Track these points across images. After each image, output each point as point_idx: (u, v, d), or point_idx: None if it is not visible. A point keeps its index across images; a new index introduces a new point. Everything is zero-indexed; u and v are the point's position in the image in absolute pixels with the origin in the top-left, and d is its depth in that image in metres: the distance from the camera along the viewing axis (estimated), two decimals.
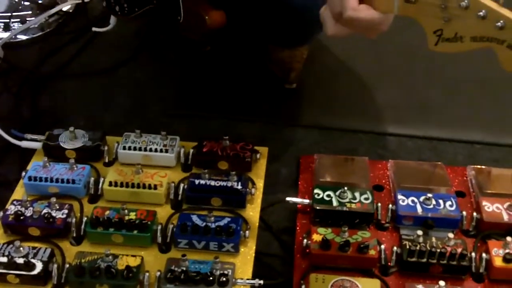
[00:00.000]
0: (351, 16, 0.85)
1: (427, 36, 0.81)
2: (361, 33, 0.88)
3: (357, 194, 1.13)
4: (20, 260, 1.01)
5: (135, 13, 1.35)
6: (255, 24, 1.34)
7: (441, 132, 1.38)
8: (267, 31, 1.34)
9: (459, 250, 1.02)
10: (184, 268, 0.99)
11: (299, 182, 1.23)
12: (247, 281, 1.00)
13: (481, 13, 0.74)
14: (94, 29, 1.58)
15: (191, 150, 1.25)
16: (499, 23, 0.73)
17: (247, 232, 1.08)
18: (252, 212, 1.15)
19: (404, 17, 0.83)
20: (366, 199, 1.12)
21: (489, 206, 1.12)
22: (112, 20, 1.52)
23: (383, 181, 1.22)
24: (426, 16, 0.80)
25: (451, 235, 1.04)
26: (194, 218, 1.09)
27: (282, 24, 1.09)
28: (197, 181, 1.15)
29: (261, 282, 0.99)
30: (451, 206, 1.11)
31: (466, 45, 0.77)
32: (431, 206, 1.11)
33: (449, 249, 1.02)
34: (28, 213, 1.09)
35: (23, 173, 1.19)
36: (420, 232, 1.05)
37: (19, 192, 1.19)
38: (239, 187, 1.14)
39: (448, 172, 1.22)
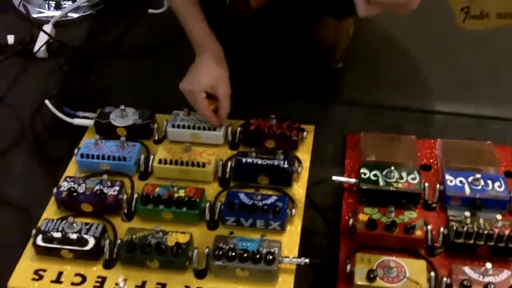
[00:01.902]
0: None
1: (455, 13, 0.82)
2: (392, 10, 0.89)
3: (404, 174, 1.13)
4: (74, 236, 1.05)
5: None
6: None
7: (490, 110, 1.36)
8: (314, 2, 1.34)
9: (507, 231, 1.01)
10: (232, 246, 1.01)
11: (346, 161, 1.24)
12: (293, 260, 1.02)
13: None
14: (150, 10, 1.61)
15: (239, 128, 1.26)
16: None
17: (293, 210, 1.10)
18: (298, 190, 1.16)
19: None
20: (413, 179, 1.12)
21: None
22: (166, 2, 1.55)
23: (431, 160, 1.22)
24: None
25: (499, 216, 1.04)
26: (242, 196, 1.10)
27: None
28: (244, 160, 1.17)
29: (307, 260, 1.01)
30: (499, 187, 1.10)
31: (493, 21, 0.78)
32: (479, 187, 1.10)
33: (496, 230, 1.02)
34: (81, 189, 1.13)
35: (76, 150, 1.22)
36: (467, 213, 1.04)
37: (71, 169, 1.23)
38: (286, 165, 1.16)
39: (497, 151, 1.21)
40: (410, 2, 0.87)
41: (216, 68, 1.23)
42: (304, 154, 1.23)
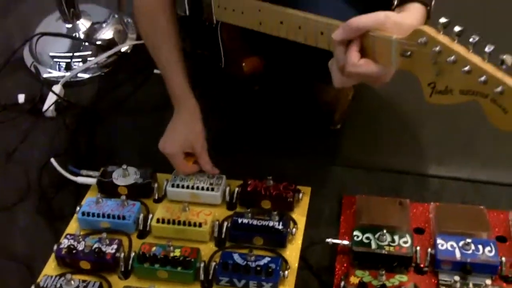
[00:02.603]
0: (351, 72, 0.91)
1: (423, 88, 0.86)
2: (365, 83, 0.93)
3: (396, 237, 1.15)
4: None
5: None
6: (295, 65, 1.39)
7: (486, 174, 1.38)
8: (307, 70, 1.39)
9: None
10: None
11: (341, 222, 1.26)
12: None
13: (466, 68, 0.79)
14: (155, 71, 1.66)
15: (236, 189, 1.30)
16: (482, 78, 0.78)
17: (286, 272, 1.11)
18: (293, 251, 1.18)
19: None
20: (405, 242, 1.14)
21: None
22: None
23: (425, 223, 1.24)
24: (420, 69, 0.86)
25: (488, 281, 1.05)
26: (236, 256, 1.13)
27: (321, 62, 1.15)
28: (240, 220, 1.20)
29: None
30: (490, 251, 1.12)
31: (456, 97, 0.83)
32: (470, 251, 1.12)
33: None
34: (80, 247, 1.16)
35: (78, 208, 1.26)
36: (457, 278, 1.06)
37: (73, 226, 1.26)
38: (280, 227, 1.18)
39: (490, 216, 1.23)
40: (382, 76, 0.92)
41: (191, 126, 1.30)
42: (300, 215, 1.26)
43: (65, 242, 1.17)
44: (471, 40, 0.80)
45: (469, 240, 1.13)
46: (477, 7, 1.80)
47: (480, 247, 1.12)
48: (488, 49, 0.78)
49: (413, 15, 0.95)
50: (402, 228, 1.18)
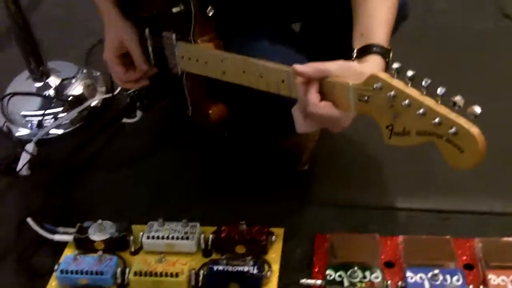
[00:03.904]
0: (312, 111, 0.96)
1: (382, 130, 0.91)
2: (327, 127, 0.98)
3: (367, 273, 1.19)
4: None
5: (153, 108, 1.47)
6: (259, 114, 1.45)
7: (449, 204, 1.43)
8: (271, 120, 1.44)
9: None
10: None
11: (314, 262, 1.30)
12: None
13: (420, 111, 0.84)
14: (124, 120, 1.71)
15: (211, 236, 1.33)
16: (436, 120, 0.82)
17: None
18: None
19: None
20: (376, 277, 1.18)
21: (495, 279, 1.16)
22: (139, 112, 1.65)
23: (394, 256, 1.28)
24: (378, 113, 0.90)
25: None
26: None
27: (278, 116, 1.20)
28: (215, 268, 1.23)
29: None
30: (457, 280, 1.16)
31: (414, 139, 0.87)
32: (439, 282, 1.16)
33: None
34: None
35: (56, 266, 1.28)
36: None
37: (52, 285, 1.28)
38: (255, 271, 1.21)
39: (456, 244, 1.27)
40: (342, 120, 0.97)
41: (116, 25, 1.35)
42: (274, 258, 1.29)
43: None
44: (423, 83, 0.85)
45: (437, 271, 1.17)
46: (430, 54, 1.89)
47: (448, 277, 1.17)
48: (440, 91, 0.83)
49: (373, 65, 1.00)
50: (373, 263, 1.22)
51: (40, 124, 1.77)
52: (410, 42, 1.84)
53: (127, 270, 1.26)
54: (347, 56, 1.05)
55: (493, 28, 2.04)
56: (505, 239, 1.28)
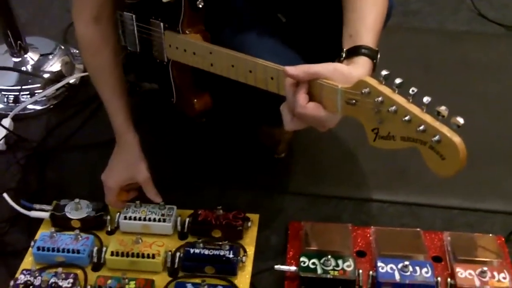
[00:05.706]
0: (299, 112, 0.98)
1: (367, 133, 0.94)
2: (313, 126, 1.00)
3: (340, 262, 1.22)
4: None
5: (137, 92, 1.48)
6: (242, 106, 1.47)
7: (420, 198, 1.47)
8: (253, 113, 1.46)
9: None
10: None
11: (288, 249, 1.33)
12: None
13: (406, 118, 0.87)
14: None
15: (187, 219, 1.35)
16: (421, 127, 0.86)
17: None
18: (243, 279, 1.24)
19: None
20: (348, 266, 1.22)
21: (462, 273, 1.21)
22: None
23: (366, 246, 1.32)
24: (364, 117, 0.94)
25: None
26: (189, 286, 1.18)
27: (264, 107, 1.21)
28: (192, 251, 1.25)
29: None
30: (426, 272, 1.20)
31: (398, 143, 0.90)
32: (408, 273, 1.20)
33: None
34: (37, 282, 1.19)
35: (32, 243, 1.29)
36: None
37: (28, 261, 1.29)
38: (231, 256, 1.24)
39: (426, 237, 1.32)
40: (328, 121, 1.00)
41: (130, 160, 1.33)
42: (249, 243, 1.32)
43: (21, 278, 1.20)
44: (410, 91, 0.88)
45: (407, 262, 1.21)
46: (417, 61, 1.92)
47: (417, 268, 1.21)
48: (426, 100, 0.86)
49: (361, 67, 1.02)
50: (346, 252, 1.26)
51: (16, 100, 1.75)
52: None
53: (104, 249, 1.27)
54: (331, 44, 1.08)
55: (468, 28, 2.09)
56: (473, 234, 1.32)
